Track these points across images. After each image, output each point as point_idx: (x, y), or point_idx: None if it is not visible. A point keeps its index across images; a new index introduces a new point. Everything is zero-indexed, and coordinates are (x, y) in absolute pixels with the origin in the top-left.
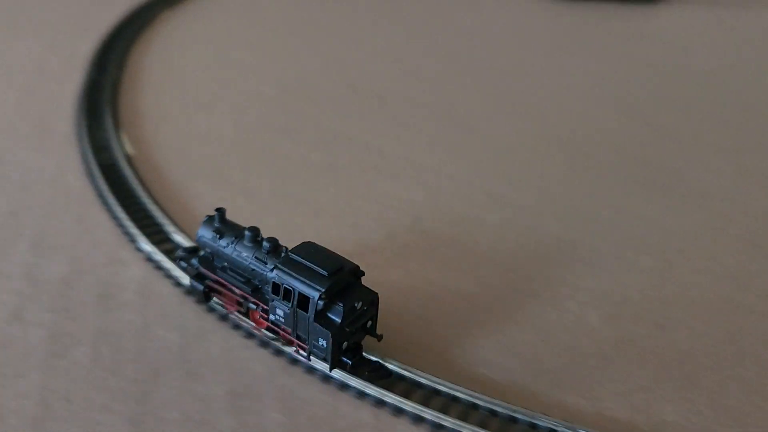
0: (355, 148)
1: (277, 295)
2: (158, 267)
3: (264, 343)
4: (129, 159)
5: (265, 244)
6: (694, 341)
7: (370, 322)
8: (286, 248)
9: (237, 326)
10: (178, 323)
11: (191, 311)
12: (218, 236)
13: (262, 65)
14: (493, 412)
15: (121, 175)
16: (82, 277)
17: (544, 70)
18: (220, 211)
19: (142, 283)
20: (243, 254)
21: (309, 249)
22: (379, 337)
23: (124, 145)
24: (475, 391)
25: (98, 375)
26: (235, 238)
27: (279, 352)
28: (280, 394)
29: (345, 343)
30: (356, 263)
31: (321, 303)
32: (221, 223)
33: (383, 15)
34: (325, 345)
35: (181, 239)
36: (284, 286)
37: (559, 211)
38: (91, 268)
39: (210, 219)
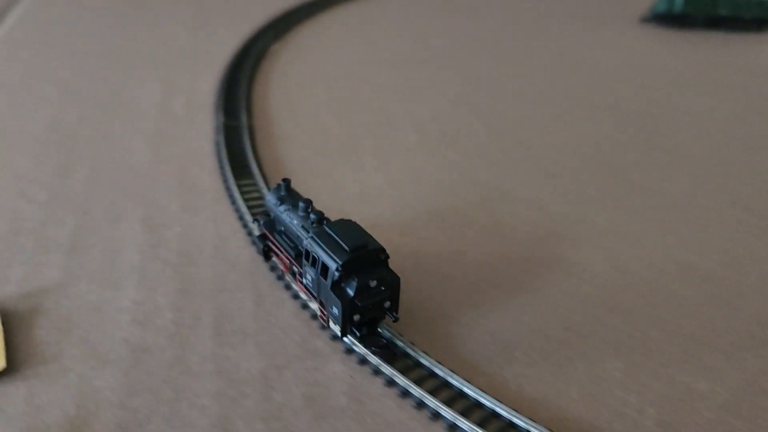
0: (513, 204)
1: (307, 261)
2: (363, 361)
3: None
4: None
5: (312, 215)
6: None
7: (388, 303)
8: (327, 220)
9: None
10: None
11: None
12: (280, 203)
13: (390, 105)
14: None
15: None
16: (281, 374)
17: (687, 111)
18: (286, 180)
19: (351, 384)
20: (294, 221)
21: (343, 225)
22: (395, 319)
23: None
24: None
25: None
26: (292, 206)
27: None
28: None
29: (358, 316)
30: (383, 245)
31: (337, 274)
32: (285, 192)
33: (502, 53)
34: (337, 313)
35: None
36: (312, 254)
37: None
38: (287, 362)
39: (278, 187)
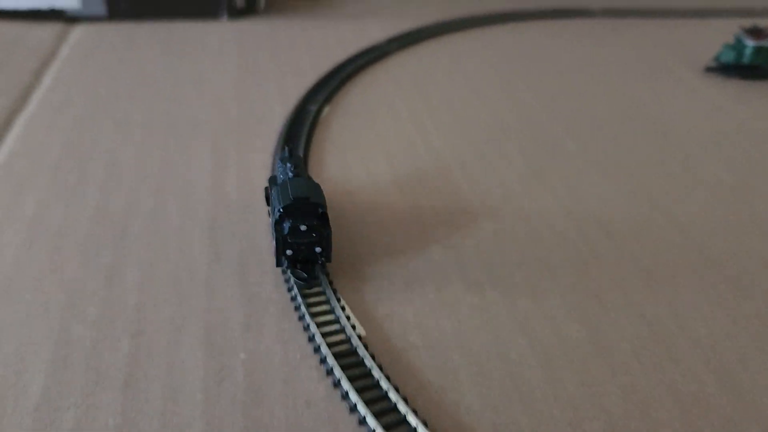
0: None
1: (268, 203)
2: None
3: None
4: (364, 342)
5: (289, 168)
6: None
7: (319, 249)
8: (300, 174)
9: None
10: None
11: None
12: (280, 162)
13: (456, 179)
14: None
15: (363, 365)
16: None
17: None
18: (290, 146)
19: None
20: (280, 175)
21: (302, 181)
22: (323, 263)
23: (356, 326)
24: None
25: None
26: (281, 161)
27: None
28: None
29: (290, 252)
30: (324, 202)
31: (278, 214)
32: (288, 155)
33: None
34: (274, 245)
35: None
36: (271, 197)
37: None
38: None
39: (283, 150)
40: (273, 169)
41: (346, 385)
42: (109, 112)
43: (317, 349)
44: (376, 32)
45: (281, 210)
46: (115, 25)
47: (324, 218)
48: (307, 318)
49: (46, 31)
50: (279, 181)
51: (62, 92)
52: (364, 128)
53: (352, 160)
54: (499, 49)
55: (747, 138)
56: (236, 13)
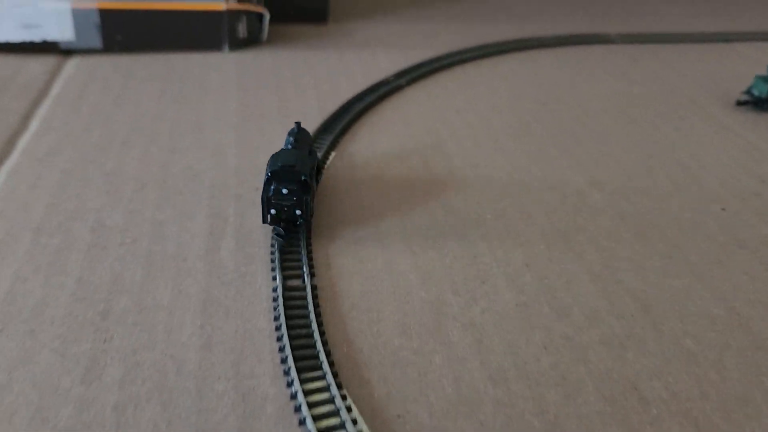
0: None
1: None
2: None
3: None
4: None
5: (291, 138)
6: None
7: (299, 211)
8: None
9: None
10: None
11: None
12: (288, 135)
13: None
14: None
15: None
16: None
17: None
18: (298, 123)
19: None
20: (285, 143)
21: (293, 152)
22: (301, 222)
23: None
24: None
25: None
26: (289, 135)
27: None
28: None
29: (273, 211)
30: (308, 171)
31: (266, 177)
32: (297, 129)
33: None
34: (262, 203)
35: None
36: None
37: None
38: None
39: (294, 128)
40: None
41: None
42: (99, 163)
43: None
44: (385, 63)
45: (269, 174)
46: (111, 57)
47: (305, 185)
48: (309, 420)
49: (40, 65)
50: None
51: (50, 139)
52: (373, 183)
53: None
54: (512, 82)
55: None
56: (238, 44)
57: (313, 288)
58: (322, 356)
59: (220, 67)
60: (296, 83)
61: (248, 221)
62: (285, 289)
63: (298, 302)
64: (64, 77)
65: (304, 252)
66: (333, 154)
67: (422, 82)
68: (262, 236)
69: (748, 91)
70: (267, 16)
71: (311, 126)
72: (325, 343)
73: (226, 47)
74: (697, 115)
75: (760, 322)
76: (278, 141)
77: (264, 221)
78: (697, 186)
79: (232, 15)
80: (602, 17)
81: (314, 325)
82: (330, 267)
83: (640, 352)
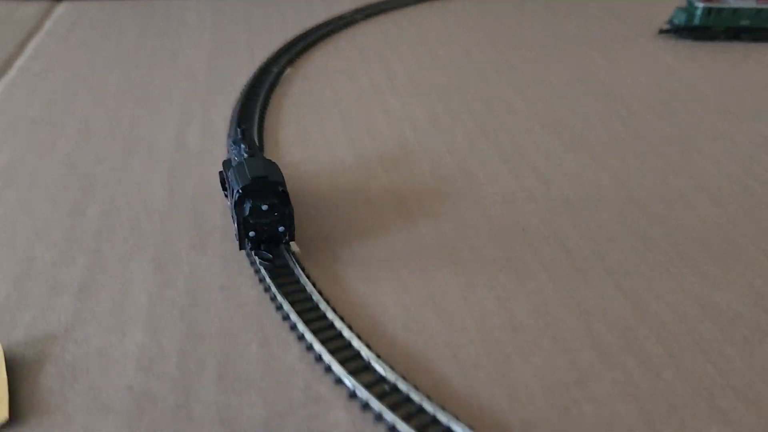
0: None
1: (224, 187)
2: (366, 407)
3: None
4: (298, 259)
5: (243, 149)
6: None
7: (282, 228)
8: (254, 154)
9: None
10: None
11: None
12: (233, 144)
13: (406, 133)
14: None
15: (294, 279)
16: (283, 422)
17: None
18: (242, 128)
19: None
20: (235, 157)
21: (258, 160)
22: (287, 241)
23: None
24: None
25: None
26: (234, 144)
27: None
28: None
29: (253, 233)
30: (282, 180)
31: (237, 196)
32: (242, 136)
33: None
34: (235, 227)
35: (381, 369)
36: (228, 179)
37: None
38: (290, 409)
39: (236, 132)
40: (227, 153)
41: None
42: (86, 81)
43: (252, 263)
44: (346, 3)
45: (240, 191)
46: (99, 2)
47: (284, 196)
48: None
49: (33, 7)
50: (234, 163)
51: (43, 62)
52: (322, 89)
53: (310, 124)
54: (461, 19)
55: (693, 96)
56: None
57: None
58: None
59: (197, 7)
60: (265, 21)
61: (210, 115)
62: None
63: None
64: (55, 17)
65: None
66: (289, 69)
67: (377, 18)
68: (221, 125)
69: (670, 21)
70: None
71: (273, 47)
72: None
73: None
74: (624, 44)
75: (638, 187)
76: (243, 62)
77: (242, 248)
78: (611, 97)
79: None
80: None
81: None
82: None
83: (528, 202)
